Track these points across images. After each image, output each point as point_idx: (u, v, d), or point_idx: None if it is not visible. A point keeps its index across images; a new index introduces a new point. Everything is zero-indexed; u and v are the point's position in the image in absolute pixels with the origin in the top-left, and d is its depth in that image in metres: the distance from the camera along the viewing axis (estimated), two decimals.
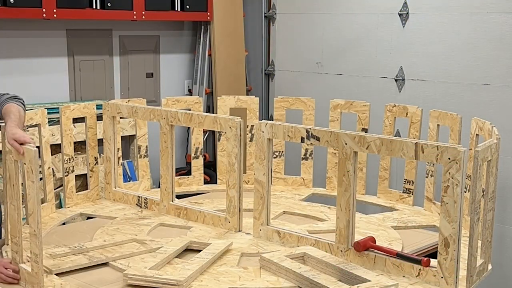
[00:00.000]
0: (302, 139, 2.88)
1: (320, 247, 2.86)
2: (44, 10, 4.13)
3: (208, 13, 5.17)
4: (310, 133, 2.85)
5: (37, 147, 2.99)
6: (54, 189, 3.64)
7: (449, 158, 2.41)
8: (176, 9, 4.97)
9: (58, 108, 3.67)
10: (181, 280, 2.42)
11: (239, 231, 3.12)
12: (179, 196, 3.59)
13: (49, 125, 3.50)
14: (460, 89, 4.39)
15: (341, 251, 2.77)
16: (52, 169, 3.59)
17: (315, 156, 3.98)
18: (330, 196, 3.76)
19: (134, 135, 4.19)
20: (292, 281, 2.51)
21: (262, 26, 5.53)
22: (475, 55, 4.29)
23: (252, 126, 3.96)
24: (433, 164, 3.40)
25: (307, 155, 3.97)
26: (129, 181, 4.14)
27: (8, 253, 2.70)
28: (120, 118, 3.72)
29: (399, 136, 4.01)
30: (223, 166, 3.89)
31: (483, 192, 2.72)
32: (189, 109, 3.86)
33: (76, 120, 3.75)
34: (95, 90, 4.77)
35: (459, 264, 2.46)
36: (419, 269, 2.54)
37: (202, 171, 4.00)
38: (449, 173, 2.42)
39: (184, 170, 4.95)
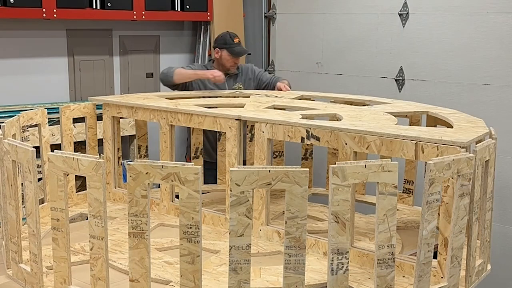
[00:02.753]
0: (302, 139, 2.88)
1: (320, 247, 2.86)
2: (44, 10, 4.13)
3: (208, 13, 5.17)
4: (310, 133, 2.84)
5: (37, 147, 3.00)
6: None
7: None
8: (176, 9, 4.97)
9: (58, 108, 3.67)
10: None
11: None
12: (179, 196, 3.58)
13: (49, 125, 3.50)
14: (460, 89, 4.39)
15: None
16: None
17: (315, 156, 3.98)
18: None
19: (134, 135, 4.19)
20: None
21: (262, 26, 5.53)
22: (475, 55, 4.28)
23: (252, 126, 3.96)
24: None
25: (307, 155, 3.97)
26: None
27: None
28: (120, 118, 3.72)
29: None
30: (223, 166, 3.89)
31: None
32: None
33: (76, 120, 3.75)
34: (95, 90, 4.76)
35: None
36: None
37: (202, 171, 4.00)
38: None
39: None
